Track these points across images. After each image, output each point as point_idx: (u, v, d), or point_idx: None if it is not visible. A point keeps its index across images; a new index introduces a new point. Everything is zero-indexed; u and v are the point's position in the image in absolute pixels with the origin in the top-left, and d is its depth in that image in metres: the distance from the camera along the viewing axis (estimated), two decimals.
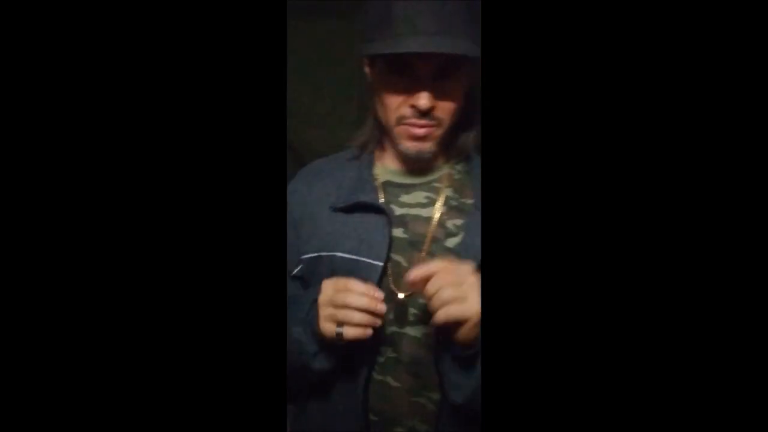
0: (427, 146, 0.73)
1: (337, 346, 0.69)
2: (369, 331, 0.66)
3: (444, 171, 0.79)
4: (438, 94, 0.70)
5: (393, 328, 0.73)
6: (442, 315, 0.63)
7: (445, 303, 0.63)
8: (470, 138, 0.78)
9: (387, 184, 0.78)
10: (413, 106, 0.70)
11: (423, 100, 0.68)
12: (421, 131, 0.71)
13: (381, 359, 0.73)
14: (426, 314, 0.71)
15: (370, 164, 0.79)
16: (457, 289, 0.63)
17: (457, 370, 0.68)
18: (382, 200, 0.75)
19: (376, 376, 0.73)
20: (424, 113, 0.70)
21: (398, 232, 0.75)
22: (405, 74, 0.69)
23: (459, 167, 0.80)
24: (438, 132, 0.73)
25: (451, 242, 0.73)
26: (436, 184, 0.78)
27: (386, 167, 0.79)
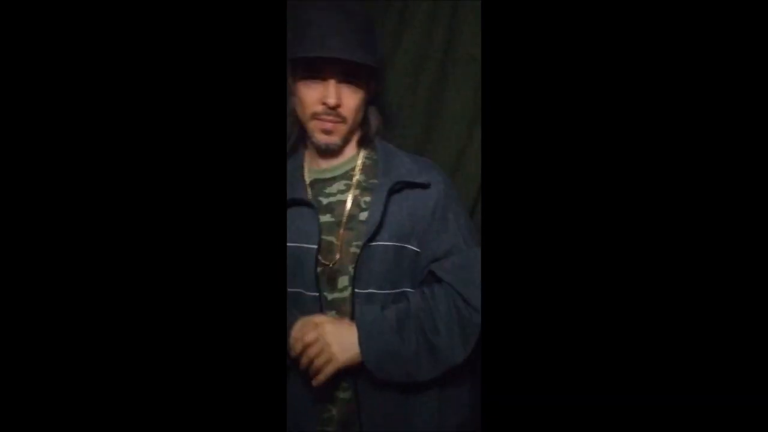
0: (334, 139, 0.93)
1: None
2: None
3: (356, 161, 0.98)
4: (343, 96, 0.90)
5: (335, 294, 0.91)
6: (321, 379, 0.84)
7: (318, 371, 0.84)
8: (372, 129, 0.98)
9: (314, 182, 0.97)
10: (324, 104, 0.89)
11: (331, 98, 0.88)
12: (329, 125, 0.91)
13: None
14: (349, 281, 0.91)
15: (301, 166, 0.99)
16: (320, 354, 0.84)
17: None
18: (310, 196, 0.95)
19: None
20: (332, 109, 0.89)
21: (327, 218, 0.94)
22: (317, 77, 0.89)
23: (368, 154, 0.98)
24: (343, 128, 0.92)
25: (363, 216, 0.92)
26: (351, 173, 0.96)
27: (312, 169, 0.98)
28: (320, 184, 0.96)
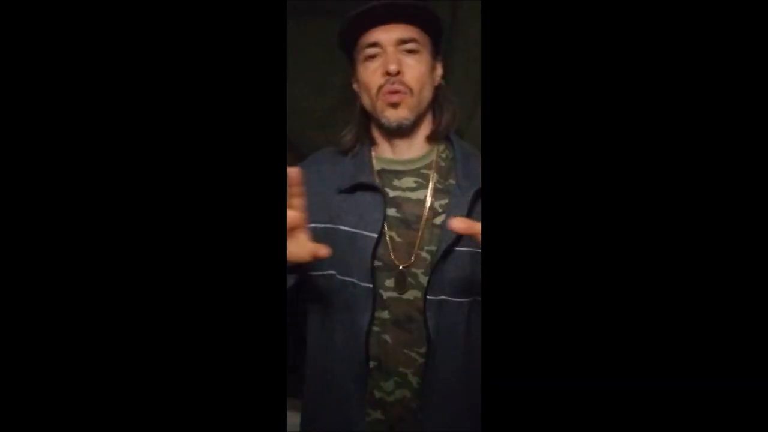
0: (404, 113, 0.87)
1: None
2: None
3: (430, 158, 0.92)
4: (403, 64, 0.86)
5: (391, 293, 0.87)
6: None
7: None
8: (447, 120, 0.92)
9: (382, 172, 0.91)
10: (386, 73, 0.85)
11: (392, 65, 0.84)
12: (395, 97, 0.86)
13: (379, 318, 0.87)
14: (418, 280, 0.86)
15: (369, 153, 0.93)
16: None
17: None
18: (378, 183, 0.89)
19: (375, 329, 0.87)
20: (395, 76, 0.85)
21: (392, 212, 0.88)
22: (374, 53, 0.86)
23: (443, 154, 0.93)
24: (410, 100, 0.87)
25: (438, 220, 0.87)
26: (424, 171, 0.91)
27: (380, 158, 0.93)
28: (388, 174, 0.91)
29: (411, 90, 0.86)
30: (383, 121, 0.88)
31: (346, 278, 0.86)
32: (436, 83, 0.91)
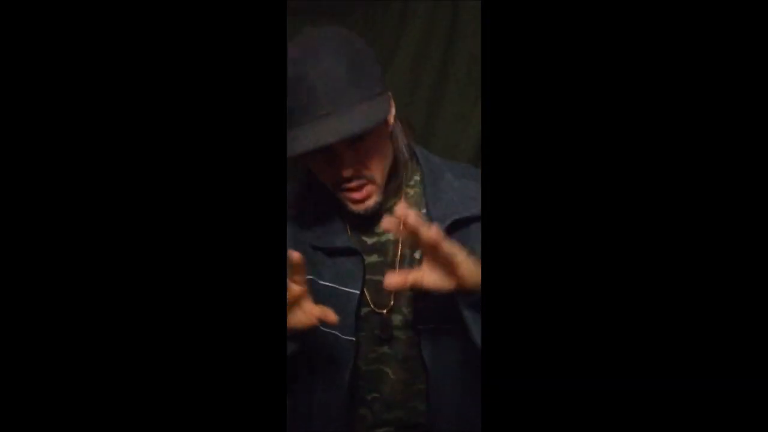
0: (371, 203, 0.79)
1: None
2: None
3: (399, 195, 0.85)
4: (360, 157, 0.75)
5: (382, 341, 0.83)
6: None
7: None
8: (403, 151, 0.83)
9: (357, 218, 0.82)
10: (342, 175, 0.75)
11: (346, 172, 0.74)
12: (359, 194, 0.77)
13: (380, 351, 0.84)
14: (408, 322, 0.82)
15: (337, 205, 0.83)
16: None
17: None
18: (350, 238, 0.83)
19: (371, 367, 0.84)
20: (353, 178, 0.76)
21: (373, 258, 0.83)
22: (324, 151, 0.73)
23: (411, 181, 0.86)
24: (375, 188, 0.78)
25: (418, 253, 0.82)
26: (395, 208, 0.82)
27: (351, 209, 0.83)
28: (363, 222, 0.84)
29: (373, 178, 0.77)
30: (348, 209, 0.80)
31: (327, 330, 0.81)
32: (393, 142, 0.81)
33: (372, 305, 0.83)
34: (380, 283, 0.78)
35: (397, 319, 0.83)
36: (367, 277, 0.82)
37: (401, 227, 0.67)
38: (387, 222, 0.68)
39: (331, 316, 0.71)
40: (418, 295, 0.79)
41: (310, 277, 0.82)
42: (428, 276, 0.70)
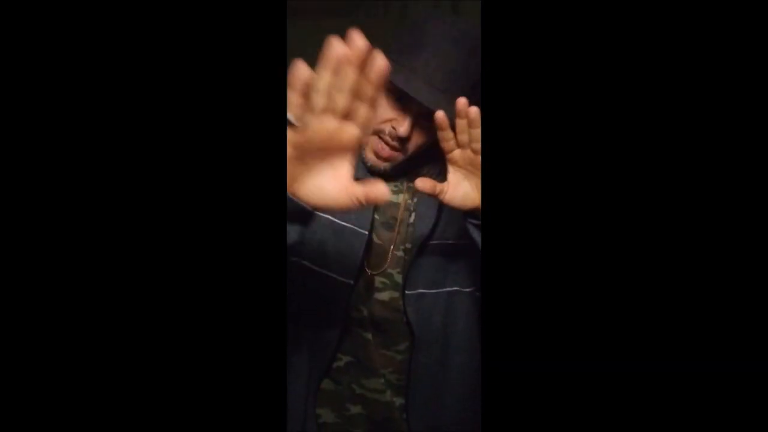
0: (387, 166, 0.84)
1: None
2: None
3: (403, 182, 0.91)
4: (415, 128, 0.80)
5: (366, 294, 0.87)
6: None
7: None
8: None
9: (369, 173, 0.87)
10: (394, 128, 0.79)
11: (403, 127, 0.78)
12: (386, 152, 0.81)
13: (357, 316, 0.87)
14: (394, 279, 0.86)
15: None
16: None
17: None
18: None
19: (353, 328, 0.87)
20: (397, 138, 0.80)
21: (375, 216, 0.87)
22: (401, 98, 0.78)
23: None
24: (399, 158, 0.83)
25: (411, 218, 0.87)
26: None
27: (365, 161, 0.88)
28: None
29: (405, 152, 0.82)
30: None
31: (322, 270, 0.83)
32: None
33: (366, 267, 0.86)
34: (377, 245, 0.86)
35: (385, 282, 0.86)
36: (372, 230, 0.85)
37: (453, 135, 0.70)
38: (421, 182, 0.71)
39: (380, 189, 0.52)
40: (415, 257, 0.83)
41: (322, 214, 0.84)
42: (452, 191, 0.74)
